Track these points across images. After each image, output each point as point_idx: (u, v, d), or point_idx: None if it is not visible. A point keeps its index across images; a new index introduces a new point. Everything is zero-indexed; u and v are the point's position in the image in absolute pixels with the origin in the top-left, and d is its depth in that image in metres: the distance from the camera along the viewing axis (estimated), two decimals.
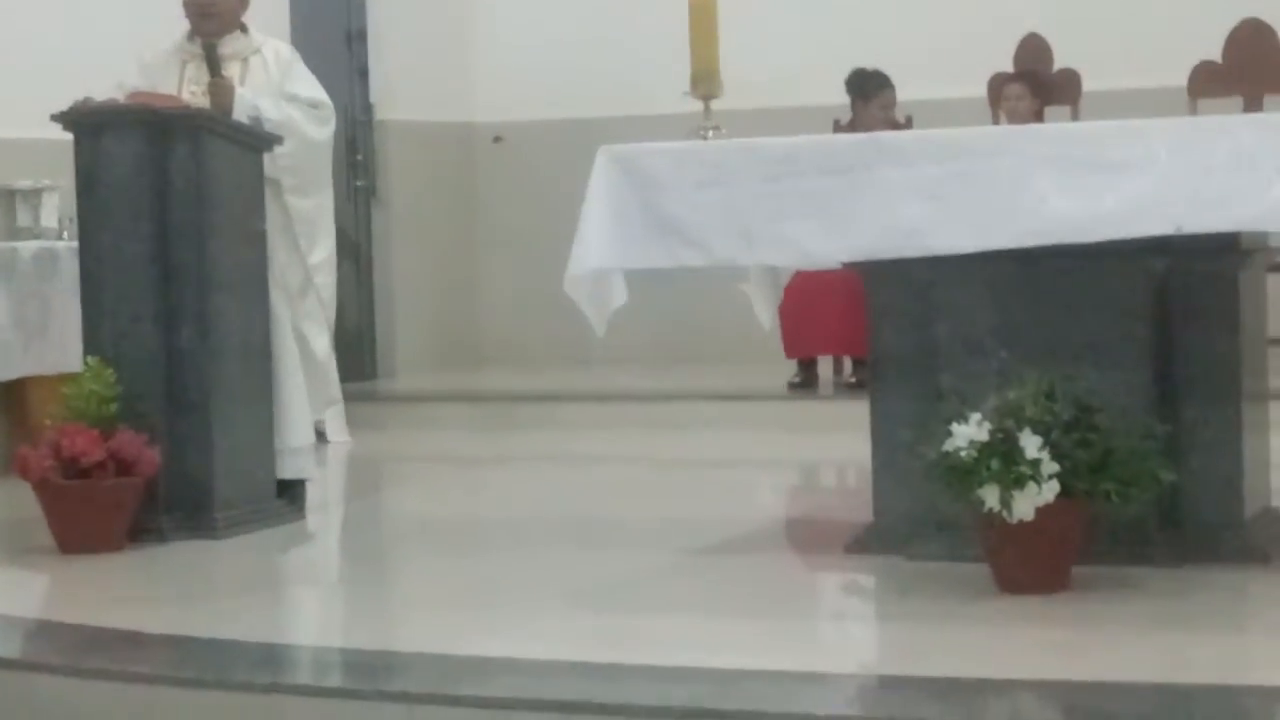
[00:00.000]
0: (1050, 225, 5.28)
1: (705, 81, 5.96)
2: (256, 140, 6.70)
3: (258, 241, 6.69)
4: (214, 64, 6.83)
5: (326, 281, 7.05)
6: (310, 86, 7.00)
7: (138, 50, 7.02)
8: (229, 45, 6.93)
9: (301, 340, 6.93)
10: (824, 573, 5.89)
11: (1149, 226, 5.20)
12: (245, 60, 6.96)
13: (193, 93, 6.84)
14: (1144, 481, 5.11)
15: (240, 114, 6.74)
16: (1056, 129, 6.00)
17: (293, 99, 6.89)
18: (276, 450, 6.78)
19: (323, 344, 7.08)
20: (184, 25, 6.97)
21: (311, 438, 7.01)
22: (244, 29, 7.03)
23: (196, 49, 6.90)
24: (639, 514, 6.95)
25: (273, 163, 6.79)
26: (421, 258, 11.03)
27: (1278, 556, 5.47)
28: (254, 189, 6.69)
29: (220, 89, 6.78)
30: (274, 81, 6.92)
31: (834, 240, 5.60)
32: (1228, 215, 5.15)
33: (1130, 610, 4.97)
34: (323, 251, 7.03)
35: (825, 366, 9.56)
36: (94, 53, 7.89)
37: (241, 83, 6.87)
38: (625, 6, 10.75)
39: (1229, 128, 5.32)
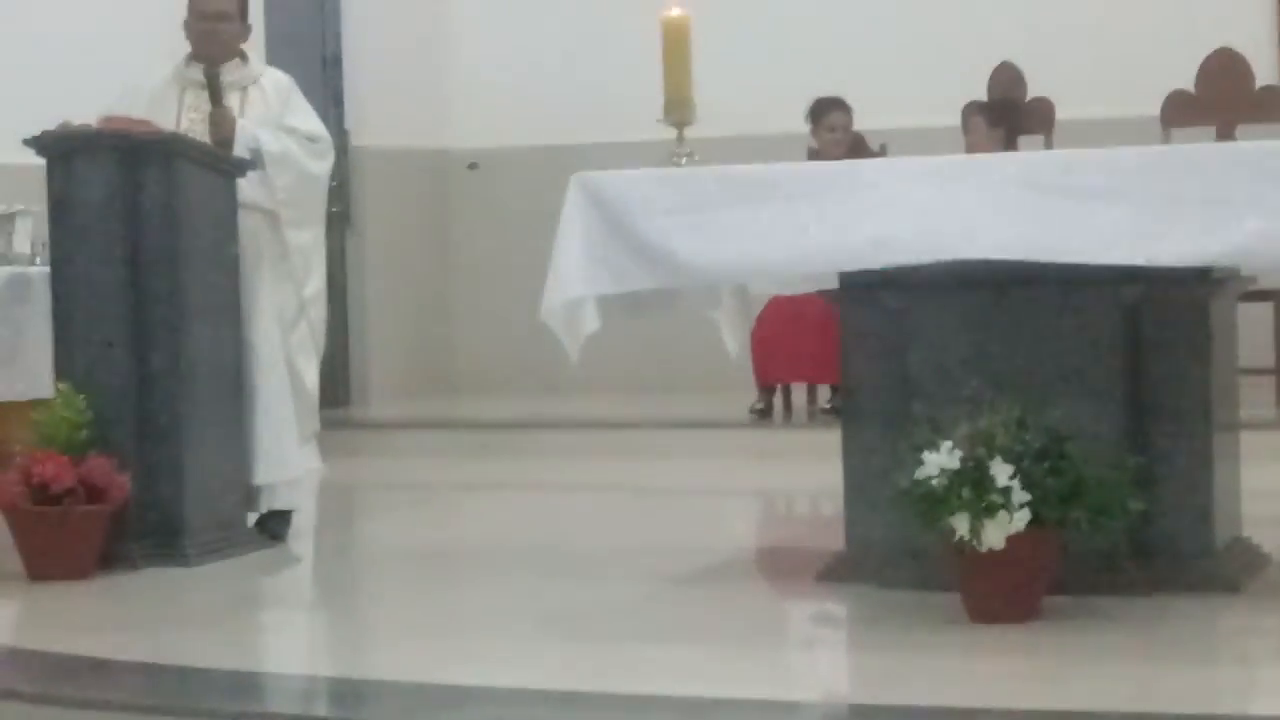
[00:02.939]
0: (1021, 243, 5.29)
1: (678, 109, 5.97)
2: (229, 165, 6.68)
3: (230, 267, 6.68)
4: (216, 92, 6.76)
5: (319, 314, 7.02)
6: (308, 119, 6.97)
7: (132, 76, 6.98)
8: (230, 73, 6.87)
9: (294, 372, 6.91)
10: (796, 601, 5.88)
11: (1120, 256, 5.22)
12: (244, 90, 6.90)
13: (191, 120, 6.78)
14: (1114, 511, 5.12)
15: (241, 146, 6.71)
16: (1025, 156, 6.01)
17: (291, 131, 6.86)
18: (266, 483, 6.78)
19: (312, 376, 7.04)
20: (171, 53, 6.94)
21: (301, 469, 7.00)
22: (244, 57, 6.97)
23: (196, 75, 6.83)
24: (611, 542, 6.93)
25: (272, 196, 6.78)
26: (395, 284, 11.02)
27: (1248, 586, 5.48)
28: (227, 214, 6.67)
29: (223, 119, 6.72)
30: (272, 112, 6.88)
31: (793, 251, 5.57)
32: (1198, 250, 5.18)
33: (1101, 640, 4.97)
34: (316, 283, 6.99)
35: (800, 394, 9.55)
36: (68, 77, 7.89)
37: (241, 113, 6.80)
38: (600, 32, 10.76)
39: (1199, 159, 5.35)
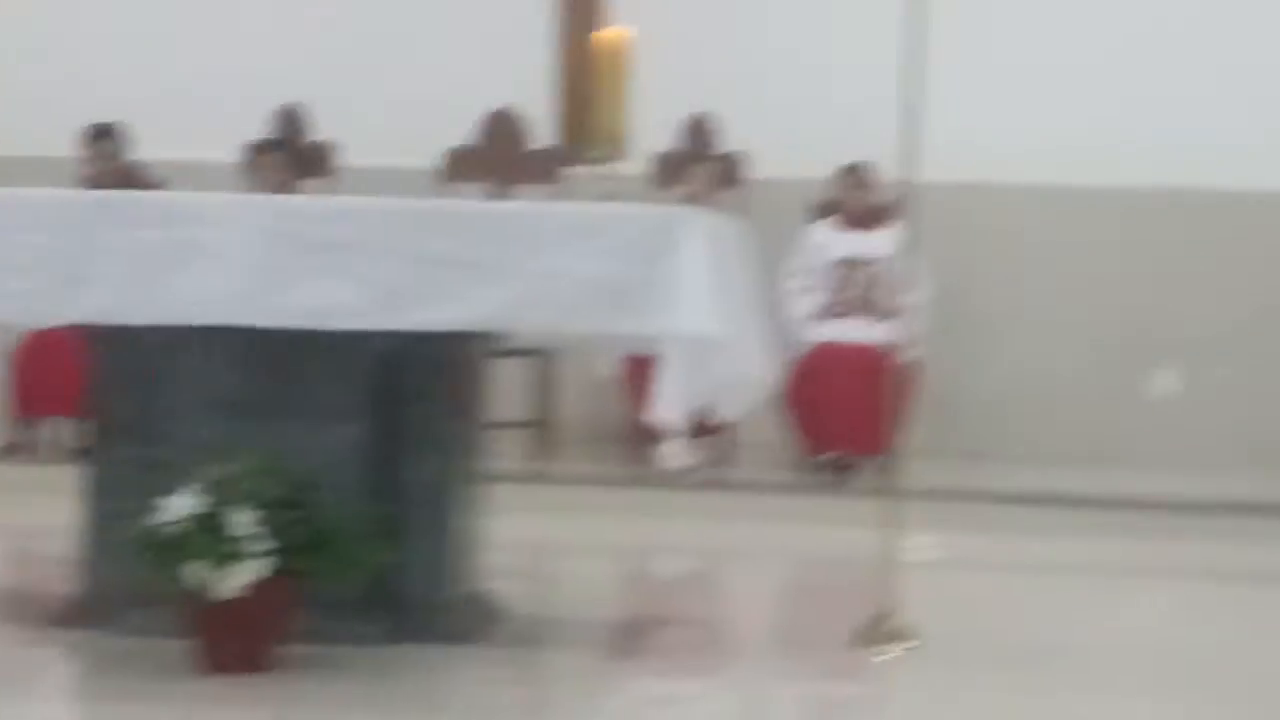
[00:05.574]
0: (284, 307, 5.26)
1: None
2: None
3: None
4: None
5: None
6: None
7: None
8: None
9: None
10: (23, 648, 5.61)
11: (377, 321, 5.27)
12: None
13: None
14: (356, 561, 5.11)
15: None
16: (286, 203, 5.97)
17: None
18: None
19: None
20: None
21: None
22: None
23: None
24: None
25: None
26: None
27: (485, 637, 5.57)
28: None
29: None
30: None
31: (55, 302, 5.40)
32: (454, 315, 5.29)
33: (335, 690, 4.96)
34: None
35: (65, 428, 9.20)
36: None
37: None
38: None
39: (461, 218, 5.43)
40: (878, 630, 5.63)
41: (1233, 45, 9.56)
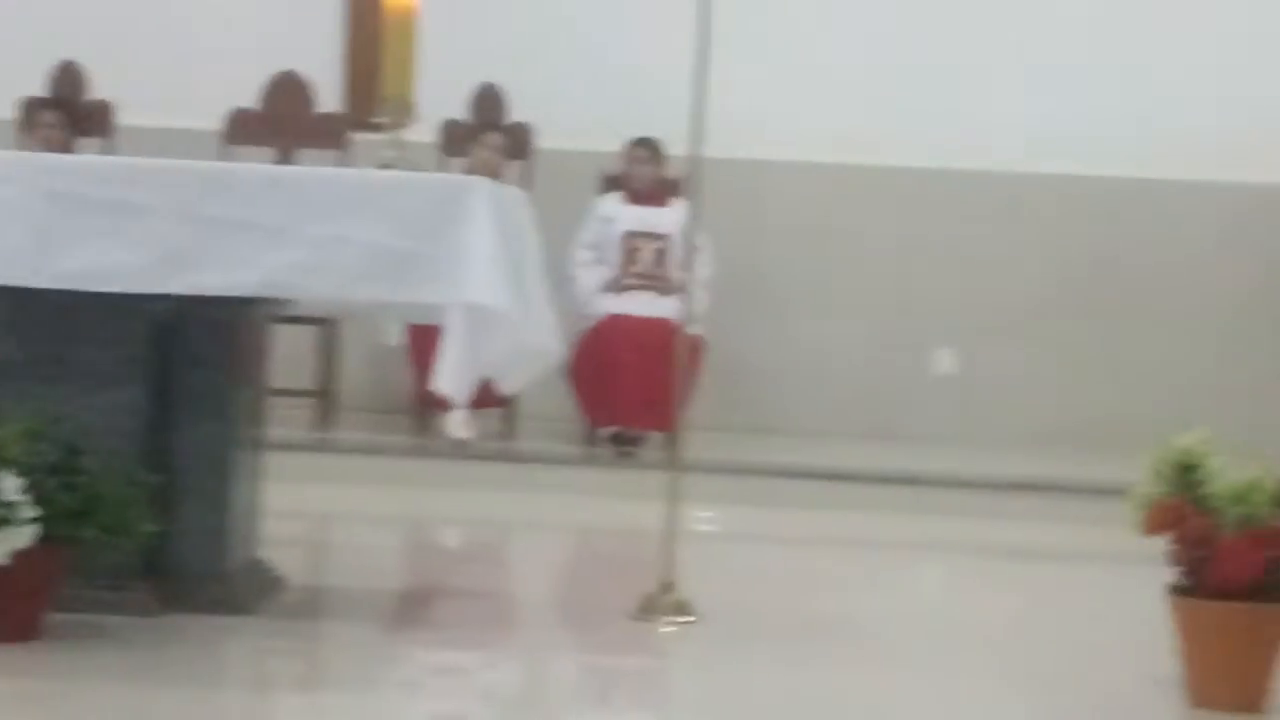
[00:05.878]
0: (61, 269, 5.13)
1: None
2: None
3: None
4: None
5: None
6: None
7: None
8: None
9: None
10: None
11: (156, 285, 5.17)
12: None
13: None
14: (128, 529, 5.00)
15: None
16: (63, 163, 5.80)
17: None
18: None
19: None
20: None
21: None
22: None
23: None
24: None
25: None
26: None
27: (261, 608, 5.48)
28: None
29: None
30: None
31: None
32: (235, 280, 5.20)
33: (101, 660, 4.85)
34: None
35: None
36: None
37: None
38: None
39: (240, 181, 5.32)
40: (660, 602, 5.63)
41: (1009, 26, 9.71)
